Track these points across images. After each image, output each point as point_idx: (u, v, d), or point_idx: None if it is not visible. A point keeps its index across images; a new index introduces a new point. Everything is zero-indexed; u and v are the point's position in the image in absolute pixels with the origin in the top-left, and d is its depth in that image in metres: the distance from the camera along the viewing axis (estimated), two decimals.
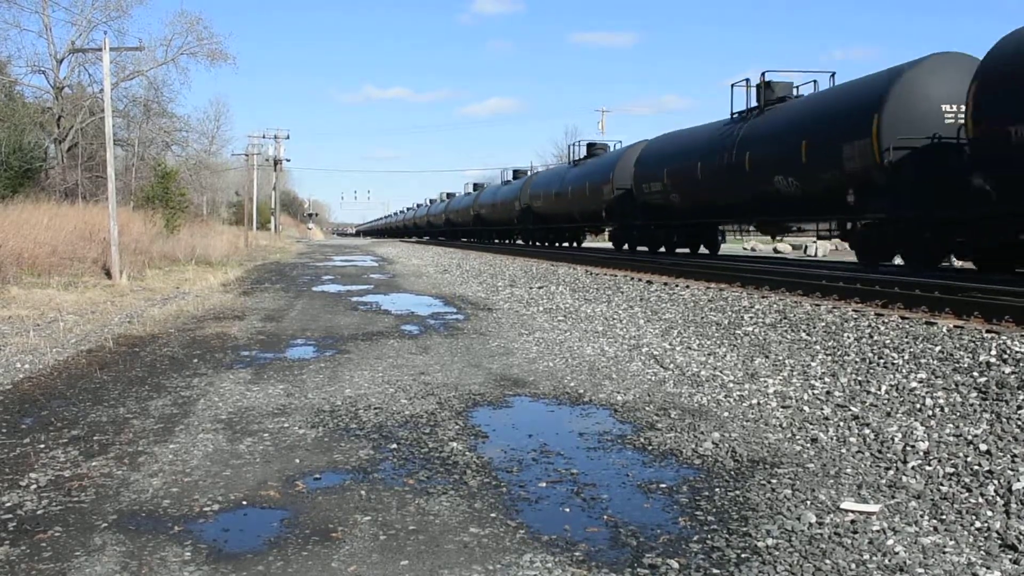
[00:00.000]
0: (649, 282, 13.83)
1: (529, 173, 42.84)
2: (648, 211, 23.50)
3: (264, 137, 67.68)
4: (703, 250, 23.98)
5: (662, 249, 24.54)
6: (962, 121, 12.70)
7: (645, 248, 25.53)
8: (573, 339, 9.75)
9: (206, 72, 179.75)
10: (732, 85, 19.65)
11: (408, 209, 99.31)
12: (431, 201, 79.62)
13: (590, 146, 32.23)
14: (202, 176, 49.92)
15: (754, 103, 18.80)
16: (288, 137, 68.78)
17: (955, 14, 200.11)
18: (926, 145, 13.11)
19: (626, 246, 27.36)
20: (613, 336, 9.77)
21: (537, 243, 37.86)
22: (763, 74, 18.52)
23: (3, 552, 3.57)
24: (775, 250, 37.94)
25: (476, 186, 56.52)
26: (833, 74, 17.34)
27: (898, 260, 16.51)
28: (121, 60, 34.31)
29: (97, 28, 33.56)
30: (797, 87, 18.42)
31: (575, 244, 35.63)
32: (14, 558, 3.51)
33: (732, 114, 19.61)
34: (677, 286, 12.80)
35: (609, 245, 30.89)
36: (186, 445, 5.24)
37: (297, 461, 4.94)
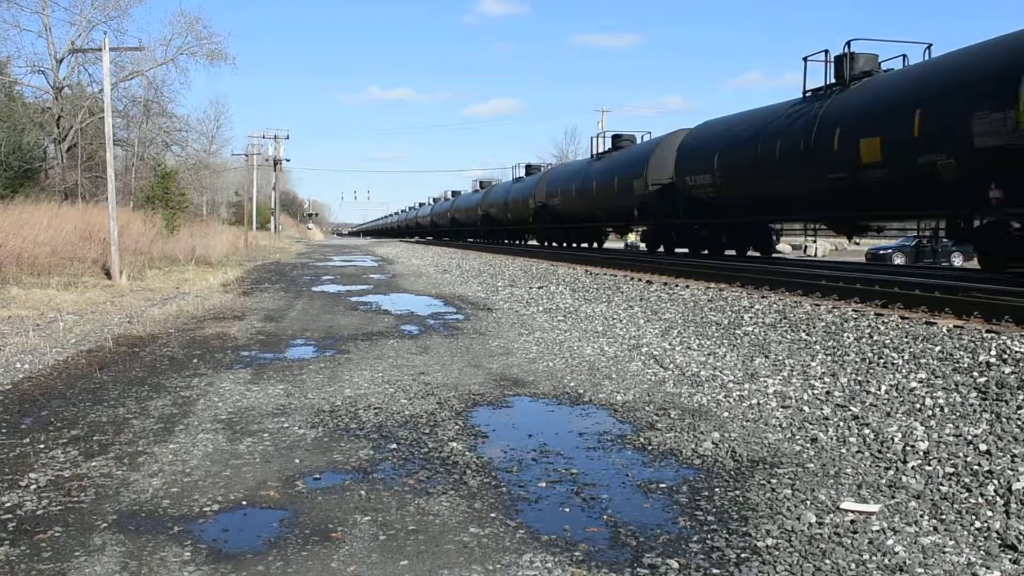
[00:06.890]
0: (649, 282, 13.83)
1: (500, 181, 48.21)
2: (556, 217, 32.83)
3: (264, 137, 67.86)
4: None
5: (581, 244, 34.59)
6: None
7: (555, 243, 35.66)
8: (573, 339, 9.76)
9: (206, 72, 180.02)
10: (592, 138, 29.21)
11: (410, 208, 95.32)
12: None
13: (528, 168, 40.56)
14: (202, 176, 49.98)
15: (609, 147, 27.52)
16: (288, 137, 69.04)
17: (955, 14, 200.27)
18: (665, 184, 21.70)
19: (545, 243, 37.17)
20: (613, 336, 9.77)
21: (497, 240, 45.85)
22: (614, 136, 27.92)
23: (3, 552, 3.57)
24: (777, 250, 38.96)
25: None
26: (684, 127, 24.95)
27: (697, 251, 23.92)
28: (121, 60, 34.35)
29: (97, 28, 33.60)
30: (642, 136, 26.45)
31: (523, 242, 42.61)
32: (14, 558, 3.51)
33: (592, 154, 29.11)
34: (677, 286, 12.79)
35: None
36: (186, 445, 5.24)
37: (297, 461, 4.94)
